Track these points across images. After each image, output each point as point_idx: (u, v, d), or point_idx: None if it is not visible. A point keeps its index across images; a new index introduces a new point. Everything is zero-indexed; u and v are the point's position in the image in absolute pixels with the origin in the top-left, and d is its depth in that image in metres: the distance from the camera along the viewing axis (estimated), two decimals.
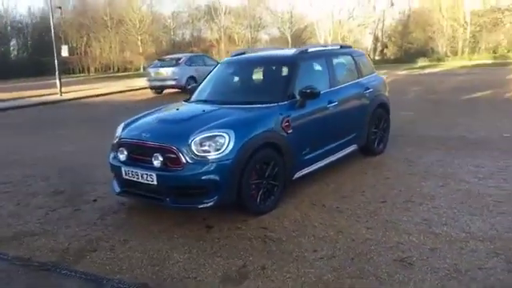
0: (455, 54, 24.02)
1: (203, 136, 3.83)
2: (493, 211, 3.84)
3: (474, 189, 4.39)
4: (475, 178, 4.72)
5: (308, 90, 4.45)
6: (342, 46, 5.85)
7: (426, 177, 4.84)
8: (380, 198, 4.31)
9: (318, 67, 5.06)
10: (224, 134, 3.81)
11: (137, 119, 4.60)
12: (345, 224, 3.76)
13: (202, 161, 3.77)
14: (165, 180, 3.83)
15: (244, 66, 5.46)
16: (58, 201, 4.85)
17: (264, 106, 4.38)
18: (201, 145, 3.80)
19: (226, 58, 5.70)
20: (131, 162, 4.11)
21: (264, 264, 3.19)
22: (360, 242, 3.42)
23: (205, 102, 4.90)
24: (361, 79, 5.62)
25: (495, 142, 6.23)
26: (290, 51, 5.34)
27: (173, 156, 3.83)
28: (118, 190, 4.31)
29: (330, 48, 5.71)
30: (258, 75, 5.28)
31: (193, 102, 5.08)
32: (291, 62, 4.85)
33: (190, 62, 16.88)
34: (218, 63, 5.65)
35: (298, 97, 4.50)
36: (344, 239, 3.49)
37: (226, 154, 3.76)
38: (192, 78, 16.20)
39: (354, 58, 5.65)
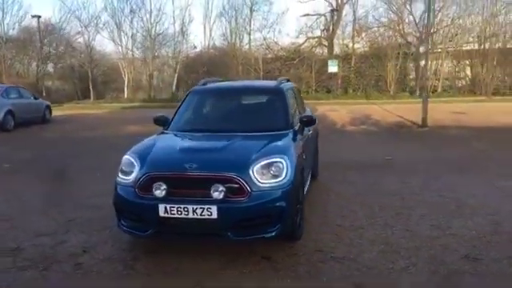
0: None
1: (263, 163, 3.86)
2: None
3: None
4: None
5: (305, 118, 4.89)
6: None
7: None
8: None
9: (291, 97, 5.51)
10: (281, 160, 3.94)
11: (148, 151, 4.21)
12: None
13: (266, 189, 3.80)
14: (228, 212, 3.69)
15: (229, 95, 5.54)
16: None
17: (280, 132, 4.61)
18: (262, 172, 3.82)
19: (196, 87, 5.59)
20: (174, 197, 3.78)
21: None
22: None
23: (205, 130, 4.79)
24: (306, 109, 6.30)
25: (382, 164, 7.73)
26: (268, 82, 5.67)
27: (235, 186, 3.74)
28: (147, 231, 3.87)
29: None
30: (247, 104, 5.39)
31: (184, 131, 4.87)
32: (280, 91, 5.25)
33: (7, 93, 14.58)
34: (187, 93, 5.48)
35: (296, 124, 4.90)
36: None
37: (286, 180, 3.88)
38: (10, 112, 14.07)
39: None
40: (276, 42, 29.13)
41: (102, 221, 5.00)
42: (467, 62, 28.29)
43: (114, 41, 29.37)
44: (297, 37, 28.94)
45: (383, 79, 26.48)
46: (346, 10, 28.48)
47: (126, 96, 28.92)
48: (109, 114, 20.67)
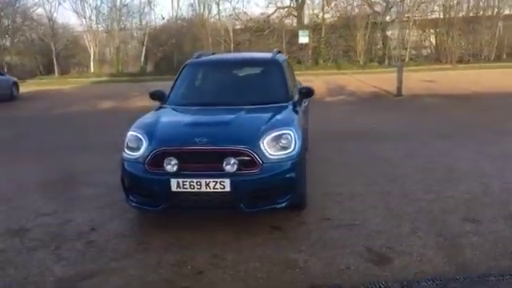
0: None
1: (273, 135, 3.91)
2: None
3: None
4: None
5: (305, 90, 4.94)
6: None
7: None
8: None
9: (286, 69, 5.53)
10: (290, 132, 3.99)
11: (154, 126, 4.17)
12: None
13: (276, 160, 3.85)
14: (241, 185, 3.74)
15: (226, 68, 5.50)
16: None
17: (281, 104, 4.65)
18: (272, 144, 3.87)
19: (192, 60, 5.50)
20: (186, 171, 3.80)
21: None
22: None
23: (206, 104, 4.77)
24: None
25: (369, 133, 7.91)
26: (264, 54, 5.64)
27: (247, 159, 3.78)
28: (159, 206, 3.88)
29: None
30: (245, 76, 5.37)
31: (184, 105, 4.84)
32: (277, 63, 5.27)
33: None
34: (183, 66, 5.40)
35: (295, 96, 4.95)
36: None
37: (295, 152, 3.95)
38: None
39: None
40: (245, 13, 28.77)
41: (102, 198, 4.97)
42: (432, 31, 28.81)
43: (76, 12, 28.27)
44: (266, 7, 28.70)
45: (352, 49, 26.70)
46: None
47: (92, 70, 28.05)
48: (78, 90, 20.06)
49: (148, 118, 4.57)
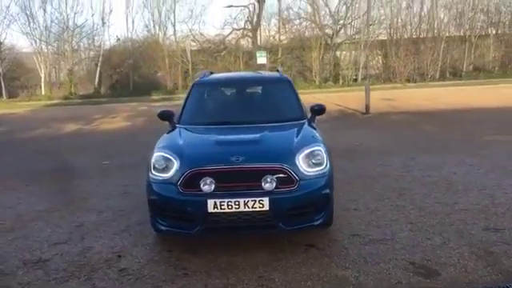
0: (185, 87, 26.74)
1: (306, 152, 3.92)
2: None
3: None
4: None
5: (317, 107, 5.01)
6: None
7: None
8: None
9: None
10: (320, 148, 4.02)
11: (181, 146, 4.07)
12: None
13: (311, 177, 3.86)
14: (280, 203, 3.71)
15: (238, 86, 5.50)
16: None
17: (299, 122, 4.70)
18: (306, 161, 3.88)
19: (201, 79, 5.45)
20: (223, 191, 3.71)
21: None
22: None
23: (223, 123, 4.70)
24: None
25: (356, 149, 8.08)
26: (271, 73, 5.67)
27: (284, 176, 3.76)
28: (194, 228, 3.75)
29: None
30: (257, 94, 5.37)
31: (201, 124, 4.75)
32: (287, 81, 5.37)
33: None
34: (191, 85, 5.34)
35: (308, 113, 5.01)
36: None
37: (327, 168, 3.97)
38: None
39: None
40: (201, 34, 28.83)
41: (112, 224, 4.75)
42: (378, 52, 30.13)
43: (26, 33, 27.14)
44: (222, 28, 28.88)
45: (308, 69, 27.41)
46: (271, 0, 28.98)
47: (43, 93, 26.91)
48: (34, 113, 19.17)
49: (169, 137, 4.45)
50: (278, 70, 6.20)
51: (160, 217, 3.95)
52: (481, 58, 29.80)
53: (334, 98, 18.74)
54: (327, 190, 3.93)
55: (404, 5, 30.11)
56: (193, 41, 28.46)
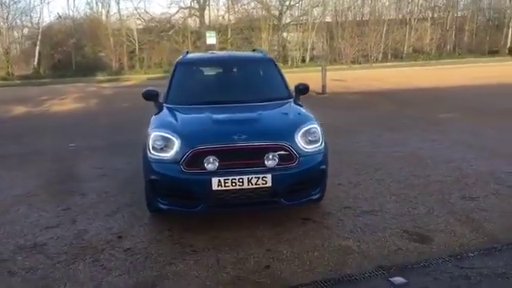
0: (131, 67, 25.89)
1: (304, 130, 4.04)
2: None
3: None
4: None
5: (301, 86, 5.14)
6: None
7: None
8: None
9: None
10: (316, 126, 4.16)
11: (179, 125, 4.06)
12: None
13: (309, 153, 4.00)
14: (281, 179, 3.83)
15: (223, 66, 5.49)
16: None
17: (287, 101, 4.82)
18: (303, 139, 4.01)
19: (184, 58, 5.37)
20: (227, 169, 3.77)
21: None
22: None
23: (213, 102, 4.69)
24: None
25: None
26: (254, 53, 5.71)
27: (285, 153, 3.87)
28: (198, 206, 3.80)
29: None
30: (243, 74, 5.37)
31: (190, 104, 4.71)
32: (271, 61, 5.45)
33: None
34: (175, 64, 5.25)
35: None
36: None
37: (323, 145, 4.14)
38: None
39: None
40: (147, 12, 27.95)
41: (100, 205, 4.68)
42: (324, 34, 30.71)
43: None
44: (169, 7, 28.16)
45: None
46: None
47: None
48: None
49: (163, 117, 4.40)
50: (254, 50, 6.25)
51: (160, 196, 3.95)
52: (419, 40, 31.20)
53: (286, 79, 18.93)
54: (323, 166, 4.09)
55: None
56: (138, 19, 27.58)
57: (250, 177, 3.76)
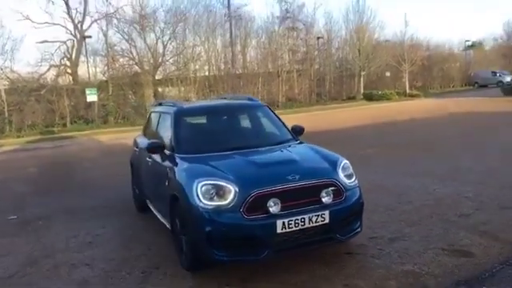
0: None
1: (343, 166, 4.24)
2: None
3: None
4: None
5: (298, 128, 5.36)
6: None
7: None
8: None
9: None
10: (348, 162, 4.38)
11: (225, 172, 3.94)
12: None
13: (351, 188, 4.19)
14: (336, 214, 3.93)
15: (221, 114, 5.42)
16: None
17: (297, 142, 4.99)
18: (344, 174, 4.19)
19: (179, 108, 5.21)
20: (288, 211, 3.75)
21: None
22: None
23: (230, 149, 4.59)
24: None
25: None
26: (243, 100, 5.76)
27: (334, 189, 4.00)
28: (264, 253, 3.68)
29: None
30: (243, 120, 5.38)
31: (204, 152, 4.55)
32: (264, 106, 5.58)
33: None
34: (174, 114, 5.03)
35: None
36: None
37: (357, 179, 4.37)
38: None
39: None
40: (13, 71, 25.58)
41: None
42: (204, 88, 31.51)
43: None
44: (37, 66, 26.12)
45: (142, 107, 26.86)
46: (95, 36, 27.51)
47: None
48: None
49: (199, 167, 4.17)
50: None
51: (217, 248, 3.71)
52: (291, 90, 33.89)
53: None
54: (362, 199, 4.28)
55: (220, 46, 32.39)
56: (4, 79, 25.06)
57: (311, 215, 3.79)
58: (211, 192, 3.76)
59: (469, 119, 17.07)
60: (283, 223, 3.68)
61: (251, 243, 3.71)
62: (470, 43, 53.86)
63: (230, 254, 3.73)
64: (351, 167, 4.36)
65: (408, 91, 36.45)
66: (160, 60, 29.50)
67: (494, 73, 46.74)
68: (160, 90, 29.98)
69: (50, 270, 4.36)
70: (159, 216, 5.04)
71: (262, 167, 4.11)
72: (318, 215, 3.81)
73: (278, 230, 3.68)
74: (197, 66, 30.36)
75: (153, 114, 6.05)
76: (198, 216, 3.75)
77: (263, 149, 4.68)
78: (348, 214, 4.07)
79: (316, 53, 35.88)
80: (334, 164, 4.22)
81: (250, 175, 3.94)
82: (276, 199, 3.72)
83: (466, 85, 47.43)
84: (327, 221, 3.85)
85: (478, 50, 55.21)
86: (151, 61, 29.34)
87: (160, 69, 29.93)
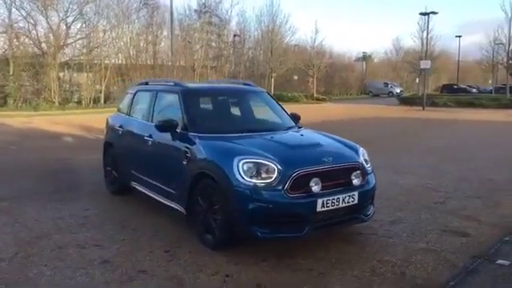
0: None
1: (362, 152, 4.46)
2: None
3: None
4: None
5: (295, 115, 5.50)
6: None
7: None
8: None
9: None
10: (363, 148, 4.62)
11: (261, 151, 3.93)
12: None
13: (369, 172, 4.42)
14: (363, 196, 4.17)
15: (227, 97, 5.34)
16: None
17: (302, 127, 5.14)
18: (363, 159, 4.42)
19: (185, 87, 5.00)
20: (326, 190, 3.88)
21: None
22: None
23: (244, 130, 4.64)
24: None
25: None
26: (244, 85, 5.69)
27: (359, 172, 4.21)
28: (304, 230, 3.76)
29: None
30: (247, 104, 5.39)
31: (219, 133, 4.49)
32: (265, 92, 5.59)
33: None
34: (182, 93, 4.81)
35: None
36: None
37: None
38: None
39: None
40: None
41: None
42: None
43: None
44: None
45: (47, 89, 24.78)
46: None
47: None
48: None
49: (229, 145, 4.15)
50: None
51: (258, 224, 3.71)
52: None
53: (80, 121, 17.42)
54: (376, 184, 4.52)
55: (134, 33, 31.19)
56: None
57: (344, 196, 3.96)
58: (252, 170, 3.74)
59: (382, 123, 18.61)
60: (323, 202, 3.81)
61: (293, 220, 3.78)
62: (361, 55, 58.55)
63: (273, 231, 3.76)
64: (366, 153, 4.59)
65: (315, 95, 38.35)
66: (62, 43, 27.39)
67: (386, 84, 51.29)
68: (67, 74, 27.86)
69: (55, 251, 3.95)
70: (160, 198, 4.81)
71: (296, 148, 4.19)
72: (350, 196, 3.99)
73: (318, 209, 3.79)
74: (105, 53, 28.75)
75: (140, 93, 5.71)
76: (239, 194, 3.71)
77: (280, 132, 4.74)
78: (370, 196, 4.33)
79: (231, 50, 36.21)
80: (355, 149, 4.44)
81: (289, 155, 3.99)
82: (317, 179, 3.82)
83: (361, 93, 51.37)
84: (356, 201, 4.04)
85: (368, 62, 60.14)
86: (53, 42, 27.15)
87: (67, 52, 27.97)
